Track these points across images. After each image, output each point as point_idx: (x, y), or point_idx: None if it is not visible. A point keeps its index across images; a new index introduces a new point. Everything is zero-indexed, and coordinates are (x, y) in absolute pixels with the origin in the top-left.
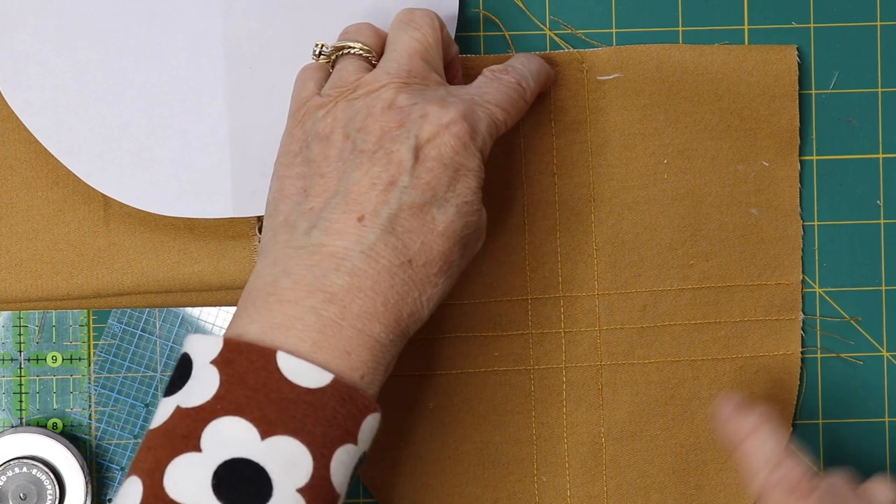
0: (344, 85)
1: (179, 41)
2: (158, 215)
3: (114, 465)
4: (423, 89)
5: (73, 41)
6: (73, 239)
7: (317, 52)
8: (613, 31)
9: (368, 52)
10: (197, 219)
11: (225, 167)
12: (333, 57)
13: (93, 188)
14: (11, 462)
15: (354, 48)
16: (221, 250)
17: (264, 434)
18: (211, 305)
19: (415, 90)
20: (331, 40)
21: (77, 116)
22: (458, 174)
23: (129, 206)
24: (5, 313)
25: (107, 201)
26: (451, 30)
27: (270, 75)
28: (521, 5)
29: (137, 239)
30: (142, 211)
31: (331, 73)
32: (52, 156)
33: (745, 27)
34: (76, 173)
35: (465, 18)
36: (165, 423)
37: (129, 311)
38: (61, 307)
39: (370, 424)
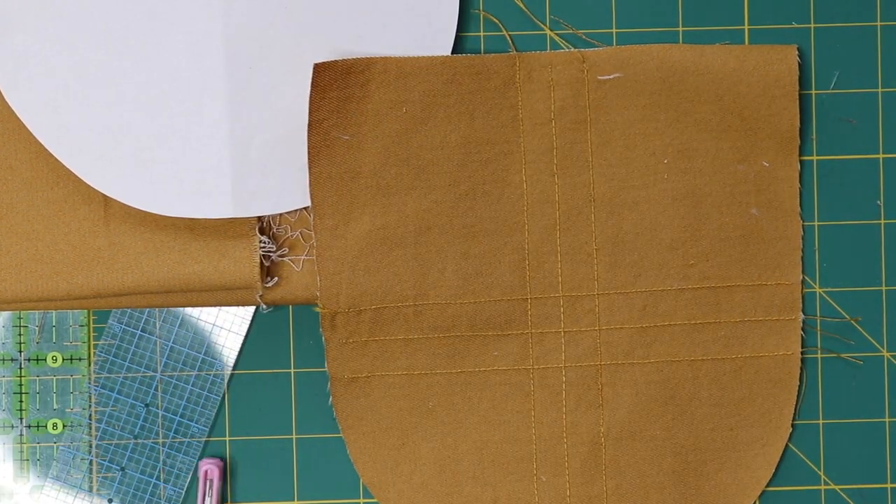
0: None
1: (179, 41)
2: (158, 215)
3: (114, 465)
4: None
5: (73, 41)
6: (73, 239)
7: None
8: (614, 31)
9: None
10: (197, 219)
11: (225, 167)
12: None
13: (93, 188)
14: None
15: None
16: (221, 250)
17: None
18: (211, 305)
19: None
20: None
21: (77, 116)
22: None
23: (129, 206)
24: (5, 313)
25: (107, 201)
26: (452, 29)
27: (270, 75)
28: (521, 5)
29: (137, 239)
30: (142, 211)
31: None
32: (53, 156)
33: (746, 27)
34: (76, 173)
35: (465, 18)
36: None
37: (129, 311)
38: (61, 307)
39: None
